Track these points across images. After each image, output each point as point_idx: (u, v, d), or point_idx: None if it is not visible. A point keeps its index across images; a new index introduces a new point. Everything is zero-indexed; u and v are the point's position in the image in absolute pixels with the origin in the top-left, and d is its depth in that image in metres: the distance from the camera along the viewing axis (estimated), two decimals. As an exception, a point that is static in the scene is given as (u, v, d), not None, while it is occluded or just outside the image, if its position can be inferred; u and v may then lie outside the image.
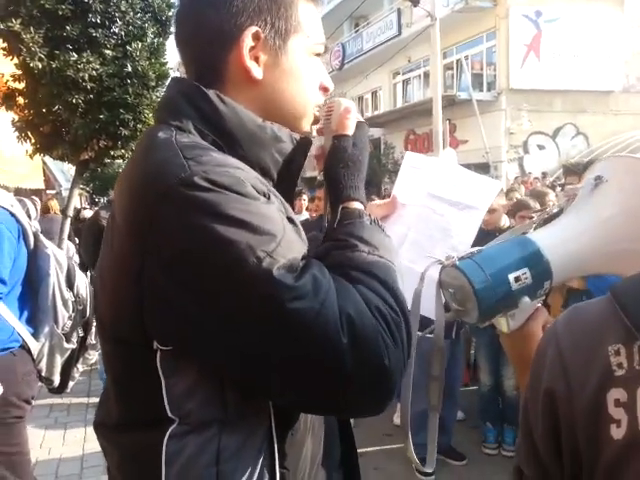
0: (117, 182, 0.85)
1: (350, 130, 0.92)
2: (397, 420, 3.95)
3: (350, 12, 18.19)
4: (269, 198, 0.76)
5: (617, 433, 0.56)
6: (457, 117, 14.91)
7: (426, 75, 16.94)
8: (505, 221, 3.77)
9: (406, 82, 19.88)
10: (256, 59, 0.83)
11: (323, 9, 22.21)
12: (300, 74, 0.88)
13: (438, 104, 11.47)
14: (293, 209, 0.87)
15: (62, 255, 2.41)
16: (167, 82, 0.99)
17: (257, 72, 0.83)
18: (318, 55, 0.91)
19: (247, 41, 0.82)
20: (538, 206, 4.30)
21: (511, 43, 14.60)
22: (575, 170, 3.63)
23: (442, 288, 0.85)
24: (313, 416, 0.87)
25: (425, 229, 1.12)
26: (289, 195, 0.88)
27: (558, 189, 6.95)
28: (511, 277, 0.79)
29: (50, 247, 2.34)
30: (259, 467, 0.77)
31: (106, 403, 0.87)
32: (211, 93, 0.81)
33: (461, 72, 15.90)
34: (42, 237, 2.34)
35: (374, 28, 18.89)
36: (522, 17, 14.60)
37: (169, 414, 0.75)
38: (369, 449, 3.65)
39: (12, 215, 2.14)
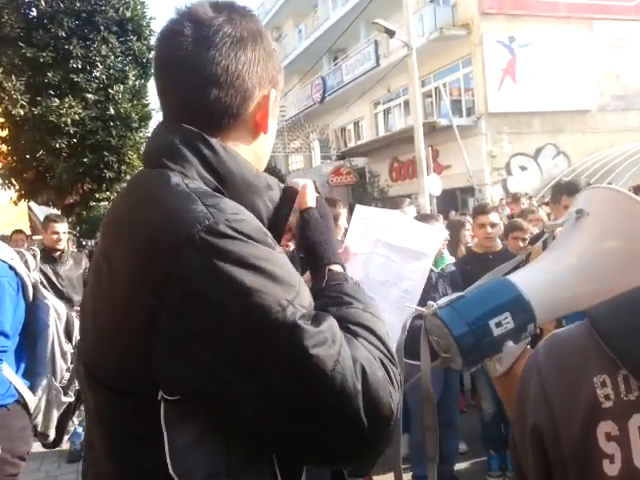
0: (113, 224, 0.84)
1: (313, 202, 0.99)
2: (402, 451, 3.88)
3: (328, 46, 18.60)
4: (276, 246, 0.78)
5: (611, 469, 0.53)
6: (439, 143, 15.12)
7: (406, 104, 17.21)
8: (498, 243, 3.75)
9: (387, 111, 20.20)
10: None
11: (302, 44, 22.72)
12: (272, 137, 0.96)
13: (419, 131, 11.63)
14: None
15: (61, 306, 2.38)
16: (150, 123, 1.03)
17: (272, 126, 0.92)
18: None
19: (271, 99, 0.89)
20: (531, 227, 4.30)
21: (487, 69, 14.93)
22: (571, 189, 3.43)
23: (429, 336, 0.83)
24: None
25: (379, 275, 1.21)
26: (277, 240, 0.89)
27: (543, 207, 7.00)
28: (492, 323, 0.77)
29: (50, 298, 2.32)
30: None
31: (94, 467, 0.83)
32: (214, 142, 0.83)
33: (440, 99, 16.20)
34: (42, 288, 2.31)
35: (353, 60, 19.26)
36: (496, 43, 14.97)
37: (170, 472, 0.72)
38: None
39: (11, 268, 2.11)
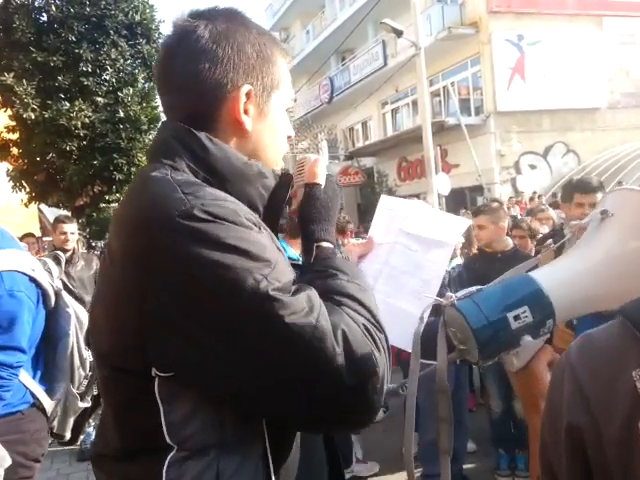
0: (112, 222, 0.90)
1: (320, 179, 1.01)
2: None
3: (336, 46, 18.59)
4: (260, 228, 0.82)
5: None
6: (447, 142, 15.07)
7: (414, 103, 17.17)
8: (508, 243, 3.72)
9: (395, 111, 20.16)
10: (245, 112, 0.91)
11: (310, 45, 22.73)
12: (278, 127, 0.97)
13: (428, 131, 11.60)
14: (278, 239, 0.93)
15: (83, 312, 2.39)
16: (159, 125, 1.02)
17: (248, 125, 0.91)
18: (287, 109, 1.00)
19: (242, 97, 0.89)
20: (536, 225, 4.27)
21: (496, 67, 14.86)
22: (584, 186, 3.32)
23: (446, 327, 0.84)
24: (300, 439, 0.90)
25: (399, 264, 1.21)
26: (274, 227, 0.94)
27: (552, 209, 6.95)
28: (510, 316, 0.78)
29: (72, 305, 2.32)
30: None
31: (103, 434, 0.89)
32: (202, 135, 0.87)
33: (448, 98, 16.15)
34: (64, 295, 2.31)
35: (360, 60, 19.24)
36: (505, 41, 14.90)
37: (168, 441, 0.78)
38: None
39: (32, 280, 2.10)
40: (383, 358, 0.79)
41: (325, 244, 0.94)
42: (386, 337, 0.83)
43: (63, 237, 4.54)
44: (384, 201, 1.32)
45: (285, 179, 0.96)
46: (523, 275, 0.84)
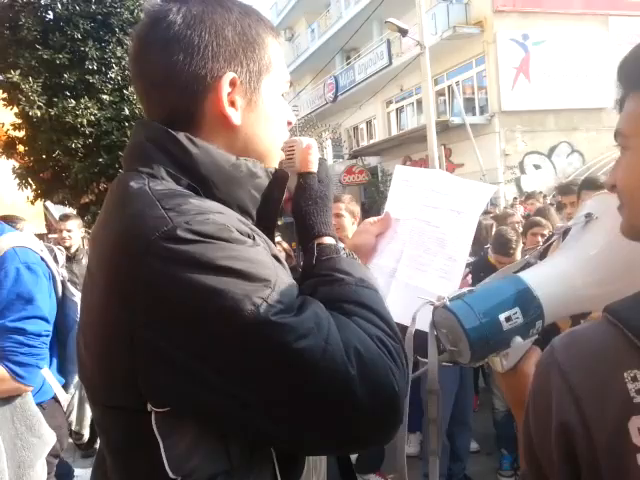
0: (91, 237, 0.82)
1: (314, 167, 0.93)
2: (408, 450, 3.89)
3: (341, 45, 18.57)
4: (254, 239, 0.74)
5: None
6: (452, 142, 15.05)
7: (419, 102, 17.14)
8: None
9: (399, 110, 20.13)
10: (232, 104, 0.81)
11: (314, 44, 22.72)
12: (272, 114, 0.87)
13: (432, 130, 11.59)
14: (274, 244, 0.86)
15: None
16: (134, 126, 0.94)
17: (236, 118, 0.81)
18: (283, 94, 0.91)
19: (225, 88, 0.80)
20: (549, 224, 4.26)
21: (500, 67, 14.82)
22: (571, 189, 3.55)
23: (436, 329, 0.84)
24: (316, 456, 0.85)
25: (420, 242, 1.11)
26: (270, 231, 0.86)
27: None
28: (502, 317, 0.78)
29: (77, 295, 2.29)
30: None
31: (101, 467, 0.83)
32: (181, 136, 0.78)
33: (453, 97, 16.11)
34: (69, 285, 2.31)
35: (365, 59, 19.22)
36: (510, 41, 14.85)
37: (171, 475, 0.72)
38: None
39: (43, 260, 2.11)
40: (401, 372, 0.72)
41: (326, 239, 0.86)
42: (403, 347, 0.76)
43: (59, 235, 4.65)
44: (399, 172, 1.19)
45: (280, 178, 0.86)
46: (512, 276, 0.85)
